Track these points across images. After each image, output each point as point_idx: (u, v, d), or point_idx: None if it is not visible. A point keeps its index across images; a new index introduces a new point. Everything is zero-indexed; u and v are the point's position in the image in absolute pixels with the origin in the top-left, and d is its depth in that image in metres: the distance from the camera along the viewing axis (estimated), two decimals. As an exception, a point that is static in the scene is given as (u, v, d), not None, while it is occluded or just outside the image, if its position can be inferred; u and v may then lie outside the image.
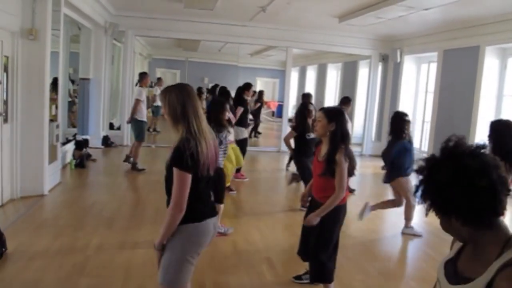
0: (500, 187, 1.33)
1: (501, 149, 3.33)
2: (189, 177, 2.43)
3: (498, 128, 3.77)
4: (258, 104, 15.05)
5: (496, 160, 1.37)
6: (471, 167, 1.33)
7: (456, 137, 1.43)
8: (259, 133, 15.35)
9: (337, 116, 3.55)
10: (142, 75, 8.80)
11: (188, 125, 2.47)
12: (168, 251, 2.52)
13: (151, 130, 13.72)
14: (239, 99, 8.34)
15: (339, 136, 3.48)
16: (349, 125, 3.93)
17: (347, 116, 3.74)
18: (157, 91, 13.70)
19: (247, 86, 8.57)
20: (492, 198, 1.33)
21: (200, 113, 2.53)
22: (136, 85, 9.17)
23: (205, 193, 2.63)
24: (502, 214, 1.35)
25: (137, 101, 8.41)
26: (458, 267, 1.47)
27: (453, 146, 1.41)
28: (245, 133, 8.20)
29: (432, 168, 1.41)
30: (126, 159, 8.61)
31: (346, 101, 8.35)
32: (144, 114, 8.64)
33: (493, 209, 1.34)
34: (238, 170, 7.76)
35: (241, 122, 8.02)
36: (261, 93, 15.52)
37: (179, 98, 2.50)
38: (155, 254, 2.58)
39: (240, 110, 7.99)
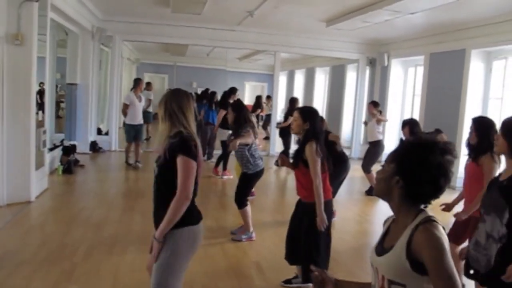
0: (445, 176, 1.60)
1: (490, 143, 3.33)
2: (194, 164, 2.47)
3: (484, 123, 3.80)
4: (290, 118, 12.65)
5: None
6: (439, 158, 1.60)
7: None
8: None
9: (312, 116, 3.77)
10: (136, 81, 9.67)
11: (182, 123, 2.54)
12: (162, 255, 2.50)
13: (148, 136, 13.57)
14: (224, 103, 8.84)
15: (311, 133, 3.70)
16: None
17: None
18: (151, 95, 13.65)
19: (233, 91, 9.13)
20: (440, 191, 1.62)
21: (189, 118, 2.59)
22: (131, 90, 9.62)
23: (196, 193, 2.62)
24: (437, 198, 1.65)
25: (125, 106, 9.11)
26: (384, 244, 1.71)
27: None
28: (227, 134, 8.48)
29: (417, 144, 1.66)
30: (126, 161, 9.24)
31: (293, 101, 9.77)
32: (133, 117, 9.12)
33: (435, 197, 1.63)
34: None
35: (224, 124, 8.46)
36: (294, 103, 11.02)
37: (172, 100, 2.58)
38: (155, 247, 2.54)
39: (222, 112, 8.56)
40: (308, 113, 3.82)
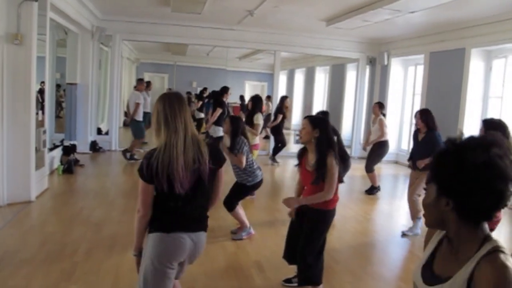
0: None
1: None
2: (145, 185, 2.44)
3: (493, 126, 3.82)
4: (280, 117, 10.65)
5: None
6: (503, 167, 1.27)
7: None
8: (276, 162, 10.71)
9: (321, 123, 3.64)
10: (138, 81, 10.77)
11: (160, 136, 2.45)
12: (143, 259, 2.52)
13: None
14: (218, 101, 9.26)
15: (325, 141, 3.54)
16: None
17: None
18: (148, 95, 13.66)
19: (226, 90, 9.62)
20: (502, 197, 1.29)
21: (178, 126, 2.42)
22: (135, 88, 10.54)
23: (182, 211, 2.49)
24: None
25: (137, 105, 9.72)
26: (434, 269, 1.44)
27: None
28: (221, 131, 8.68)
29: (466, 149, 1.31)
30: (124, 154, 9.68)
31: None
32: (141, 115, 9.87)
33: (497, 208, 1.31)
34: None
35: (218, 122, 8.76)
36: (283, 100, 10.93)
37: (164, 109, 2.46)
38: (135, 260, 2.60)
39: (218, 111, 8.86)
40: (318, 119, 3.69)
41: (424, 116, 5.86)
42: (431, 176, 1.37)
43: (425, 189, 1.42)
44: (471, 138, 1.32)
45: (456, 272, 1.33)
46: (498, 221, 3.99)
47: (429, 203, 1.38)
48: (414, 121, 6.27)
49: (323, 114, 6.09)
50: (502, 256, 1.26)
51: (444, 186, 1.32)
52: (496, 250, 1.28)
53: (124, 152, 9.79)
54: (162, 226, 2.47)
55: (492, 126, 3.93)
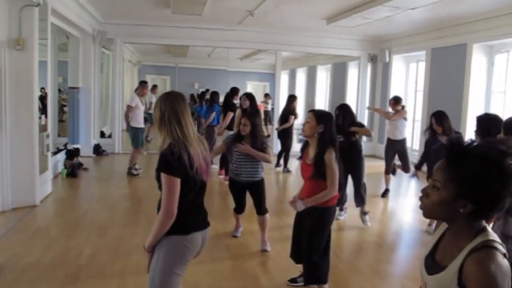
0: None
1: None
2: (177, 181, 2.40)
3: (486, 122, 3.79)
4: (292, 118, 9.70)
5: None
6: None
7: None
8: (289, 171, 9.63)
9: (326, 118, 3.59)
10: (140, 84, 9.16)
11: (171, 130, 2.46)
12: (154, 260, 2.51)
13: (149, 138, 13.54)
14: (228, 104, 8.62)
15: (328, 138, 3.52)
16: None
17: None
18: (152, 98, 13.67)
19: (235, 91, 8.84)
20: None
21: (186, 121, 2.50)
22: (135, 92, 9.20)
23: (196, 203, 2.57)
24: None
25: (128, 107, 8.63)
26: (436, 258, 1.49)
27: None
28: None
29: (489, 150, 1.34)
30: (128, 172, 8.69)
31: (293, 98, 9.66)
32: (139, 120, 8.74)
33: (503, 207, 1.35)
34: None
35: (230, 126, 8.38)
36: (292, 99, 9.93)
37: (165, 104, 2.51)
38: (147, 257, 2.57)
39: (230, 115, 8.39)
40: (323, 115, 3.62)
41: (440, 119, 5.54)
42: (451, 175, 1.35)
43: (434, 185, 1.40)
44: (500, 142, 1.34)
45: (451, 261, 1.38)
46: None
47: (441, 201, 1.37)
48: (419, 118, 6.06)
49: (341, 108, 5.93)
50: (489, 251, 1.31)
51: (468, 189, 1.32)
52: (485, 245, 1.33)
53: (129, 170, 8.68)
54: (181, 227, 2.46)
55: (486, 122, 3.87)
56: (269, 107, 16.67)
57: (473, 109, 8.57)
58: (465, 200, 1.32)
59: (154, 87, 15.20)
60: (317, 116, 3.58)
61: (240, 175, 4.89)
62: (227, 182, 7.62)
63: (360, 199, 5.97)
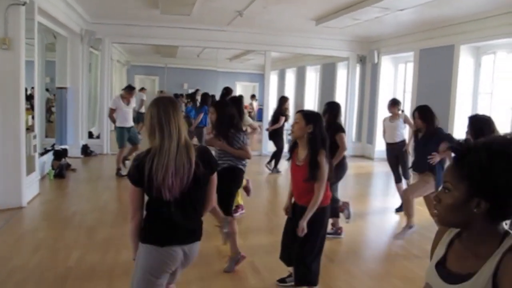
0: None
1: None
2: (133, 188, 2.41)
3: (478, 123, 3.82)
4: (282, 119, 9.68)
5: None
6: None
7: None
8: (278, 171, 9.75)
9: (315, 119, 3.54)
10: (126, 88, 9.05)
11: (150, 139, 2.42)
12: (135, 267, 2.50)
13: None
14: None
15: (319, 139, 3.47)
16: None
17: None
18: (143, 96, 13.61)
19: (229, 91, 8.78)
20: None
21: (171, 128, 2.37)
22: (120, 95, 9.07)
23: (171, 217, 2.41)
24: None
25: (110, 110, 8.85)
26: (449, 267, 1.42)
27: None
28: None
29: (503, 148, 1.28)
30: (117, 172, 8.62)
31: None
32: (122, 120, 8.64)
33: None
34: None
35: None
36: (283, 101, 10.08)
37: (153, 110, 2.42)
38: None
39: None
40: (312, 115, 3.56)
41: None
42: (462, 174, 1.31)
43: (444, 188, 1.35)
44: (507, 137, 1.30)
45: (478, 267, 1.31)
46: None
47: (454, 203, 1.33)
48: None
49: (329, 106, 5.61)
50: None
51: (484, 188, 1.27)
52: None
53: (119, 170, 8.66)
54: (156, 238, 2.42)
55: (478, 123, 3.91)
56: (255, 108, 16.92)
57: (461, 110, 8.67)
58: (478, 198, 1.28)
59: (142, 89, 15.15)
60: (306, 116, 3.53)
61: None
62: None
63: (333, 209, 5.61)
